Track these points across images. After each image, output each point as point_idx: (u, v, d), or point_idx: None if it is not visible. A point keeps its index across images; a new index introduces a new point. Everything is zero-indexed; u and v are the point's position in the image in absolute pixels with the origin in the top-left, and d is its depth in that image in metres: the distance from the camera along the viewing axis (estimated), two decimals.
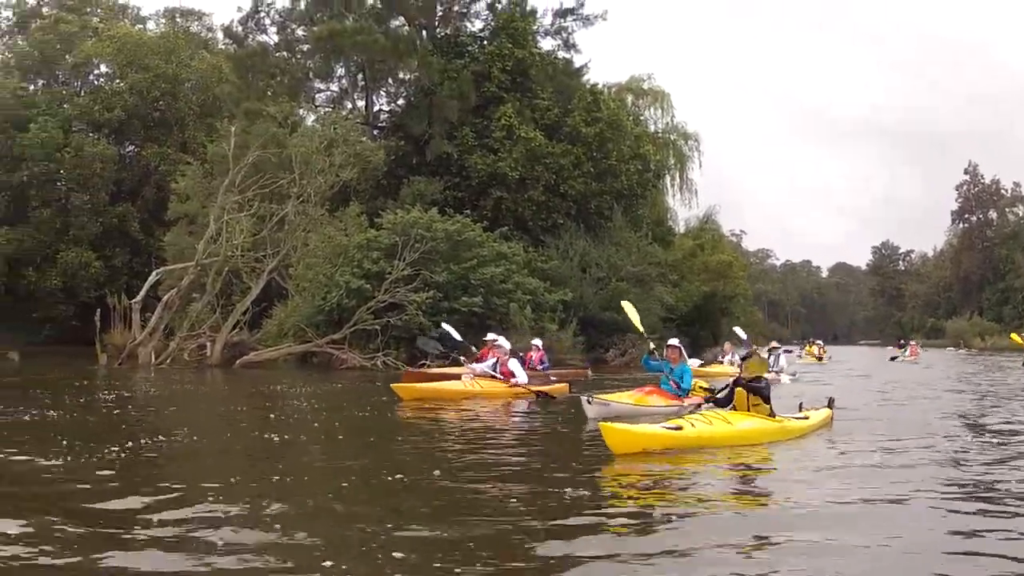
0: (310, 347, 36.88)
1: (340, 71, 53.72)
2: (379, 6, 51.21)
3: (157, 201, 55.96)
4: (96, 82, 63.29)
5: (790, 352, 53.16)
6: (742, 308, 68.37)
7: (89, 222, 56.39)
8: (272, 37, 52.44)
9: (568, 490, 10.01)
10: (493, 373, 23.64)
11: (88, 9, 65.41)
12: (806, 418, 16.15)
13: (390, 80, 54.75)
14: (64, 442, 12.86)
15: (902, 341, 69.84)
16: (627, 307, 22.59)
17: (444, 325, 30.21)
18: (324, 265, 38.55)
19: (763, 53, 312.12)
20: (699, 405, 16.47)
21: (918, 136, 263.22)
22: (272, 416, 18.43)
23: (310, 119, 52.68)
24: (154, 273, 41.16)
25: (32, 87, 62.85)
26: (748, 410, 14.46)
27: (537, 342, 30.31)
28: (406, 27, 51.49)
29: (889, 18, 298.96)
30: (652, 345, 20.63)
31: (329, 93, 55.35)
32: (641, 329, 22.25)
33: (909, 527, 8.58)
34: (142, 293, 39.41)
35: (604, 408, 17.42)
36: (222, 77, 56.42)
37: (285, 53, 51.32)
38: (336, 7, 49.27)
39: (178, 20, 67.91)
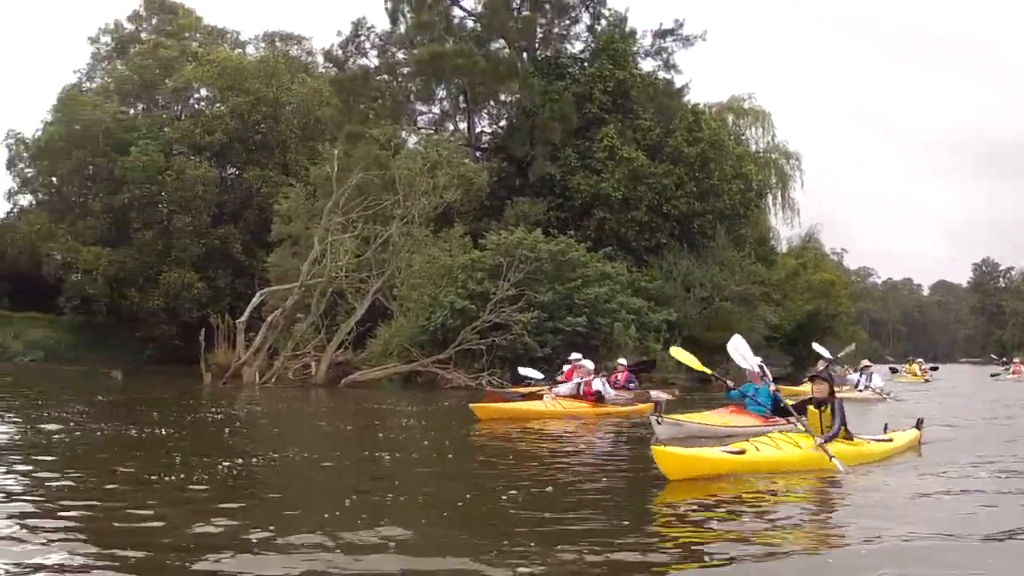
0: (415, 367, 37.02)
1: (441, 93, 54.17)
2: (479, 29, 51.67)
3: (259, 223, 56.49)
4: (196, 106, 64.22)
5: (896, 371, 52.71)
6: (844, 327, 67.77)
7: (191, 243, 57.17)
8: (372, 60, 53.01)
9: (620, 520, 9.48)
10: (576, 393, 23.45)
11: (187, 34, 66.54)
12: (889, 440, 15.40)
13: (491, 102, 54.93)
14: (177, 458, 13.00)
15: (1004, 359, 68.67)
16: (678, 353, 19.70)
17: (522, 370, 29.92)
18: (428, 285, 38.73)
19: (864, 70, 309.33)
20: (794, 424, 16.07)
21: (1020, 152, 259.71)
22: (381, 435, 18.45)
23: (412, 141, 52.95)
24: (258, 294, 41.62)
25: (132, 111, 63.83)
26: (822, 431, 13.47)
27: (623, 361, 30.34)
28: (506, 50, 51.89)
29: (987, 33, 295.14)
30: (731, 383, 19.15)
31: (431, 115, 55.89)
32: (705, 370, 19.81)
33: (1002, 569, 7.87)
34: (247, 313, 39.84)
35: (675, 428, 16.86)
36: (323, 100, 57.11)
37: (386, 76, 51.80)
38: (437, 30, 49.77)
39: (278, 44, 69.03)
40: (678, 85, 55.66)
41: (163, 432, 17.31)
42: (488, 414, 21.56)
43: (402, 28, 52.41)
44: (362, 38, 53.37)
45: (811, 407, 13.84)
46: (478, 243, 41.42)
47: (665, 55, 55.45)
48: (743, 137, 64.18)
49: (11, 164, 65.31)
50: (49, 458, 13.37)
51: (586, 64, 52.44)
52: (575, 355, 27.07)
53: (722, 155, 50.76)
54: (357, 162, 41.44)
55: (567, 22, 54.73)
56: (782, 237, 71.17)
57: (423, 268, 39.35)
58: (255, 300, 40.90)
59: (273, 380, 36.65)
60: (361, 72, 50.85)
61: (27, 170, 64.97)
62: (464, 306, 36.82)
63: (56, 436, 15.91)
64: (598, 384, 23.59)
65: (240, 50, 68.34)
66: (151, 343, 57.47)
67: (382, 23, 53.68)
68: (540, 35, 53.89)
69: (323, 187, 43.60)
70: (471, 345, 36.30)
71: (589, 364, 24.73)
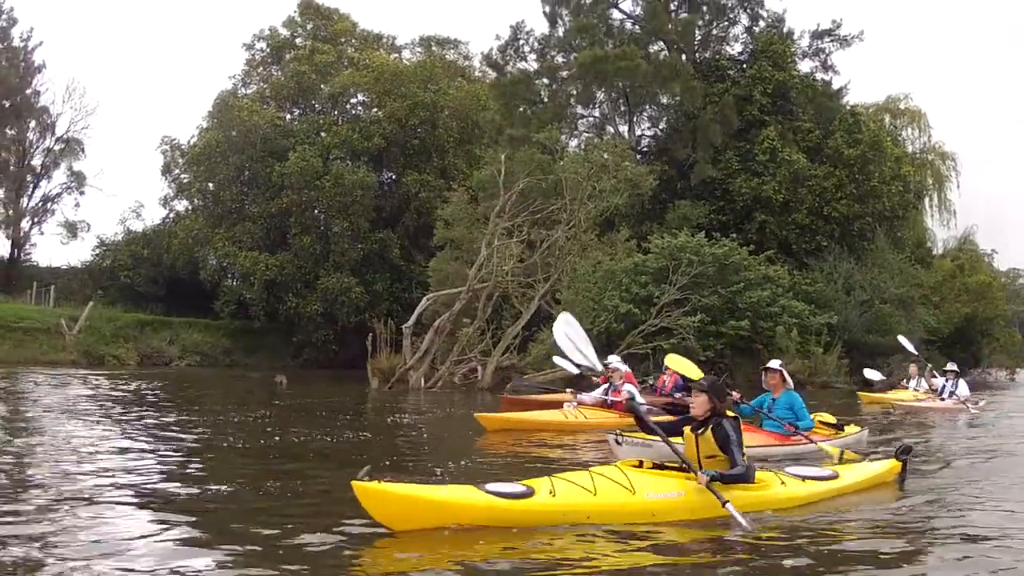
0: (583, 371, 37.47)
1: (601, 96, 55.35)
2: (638, 32, 52.80)
3: (417, 227, 58.43)
4: (353, 111, 65.44)
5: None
6: (1001, 330, 67.93)
7: (349, 248, 58.29)
8: (531, 64, 54.37)
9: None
10: (604, 397, 21.10)
11: (343, 39, 67.75)
12: (832, 478, 11.29)
13: (650, 105, 56.02)
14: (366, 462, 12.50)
15: None
16: (673, 360, 15.80)
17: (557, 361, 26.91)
18: (592, 289, 39.68)
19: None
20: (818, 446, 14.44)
21: None
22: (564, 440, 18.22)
23: (572, 145, 54.20)
24: (425, 298, 42.43)
25: (288, 116, 65.67)
26: (699, 463, 9.93)
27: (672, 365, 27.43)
28: (665, 52, 52.96)
29: None
30: (736, 394, 16.23)
31: (590, 119, 57.09)
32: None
33: None
34: (413, 318, 40.62)
35: (640, 450, 13.13)
36: (481, 104, 58.81)
37: (545, 80, 53.18)
38: (597, 34, 51.04)
39: (434, 48, 70.10)
40: (836, 86, 56.20)
41: (360, 436, 18.07)
42: (496, 424, 19.94)
43: (560, 32, 53.82)
44: (521, 42, 54.91)
45: (686, 429, 10.51)
46: (640, 246, 42.37)
47: (823, 56, 56.16)
48: (900, 138, 64.41)
49: (167, 170, 67.52)
50: (251, 461, 14.20)
51: (745, 66, 53.48)
52: (611, 357, 23.92)
53: (881, 157, 51.47)
54: (521, 166, 42.61)
55: (725, 23, 55.76)
56: (938, 239, 71.49)
57: (588, 272, 40.23)
58: (422, 305, 41.75)
59: (439, 385, 37.47)
60: (523, 76, 52.27)
61: (183, 176, 67.02)
62: (628, 310, 37.79)
63: (251, 440, 16.41)
64: (628, 390, 20.85)
65: (396, 55, 69.57)
66: (307, 347, 58.90)
67: (540, 26, 55.03)
68: (698, 37, 54.91)
69: (485, 191, 44.96)
70: (637, 349, 36.84)
71: (623, 366, 22.55)
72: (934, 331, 50.87)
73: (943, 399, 28.77)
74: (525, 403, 24.30)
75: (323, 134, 62.03)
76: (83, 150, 73.36)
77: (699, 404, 10.27)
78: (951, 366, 30.77)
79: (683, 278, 38.11)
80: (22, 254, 73.69)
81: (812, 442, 14.82)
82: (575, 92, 53.64)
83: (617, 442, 13.75)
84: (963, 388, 28.99)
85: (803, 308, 42.54)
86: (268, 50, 69.11)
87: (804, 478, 10.91)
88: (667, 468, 10.01)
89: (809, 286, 46.29)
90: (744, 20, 55.83)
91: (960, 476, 13.08)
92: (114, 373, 42.93)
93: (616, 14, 55.13)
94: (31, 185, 73.11)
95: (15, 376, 37.14)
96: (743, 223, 49.04)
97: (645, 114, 57.32)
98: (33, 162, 73.30)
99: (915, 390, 31.19)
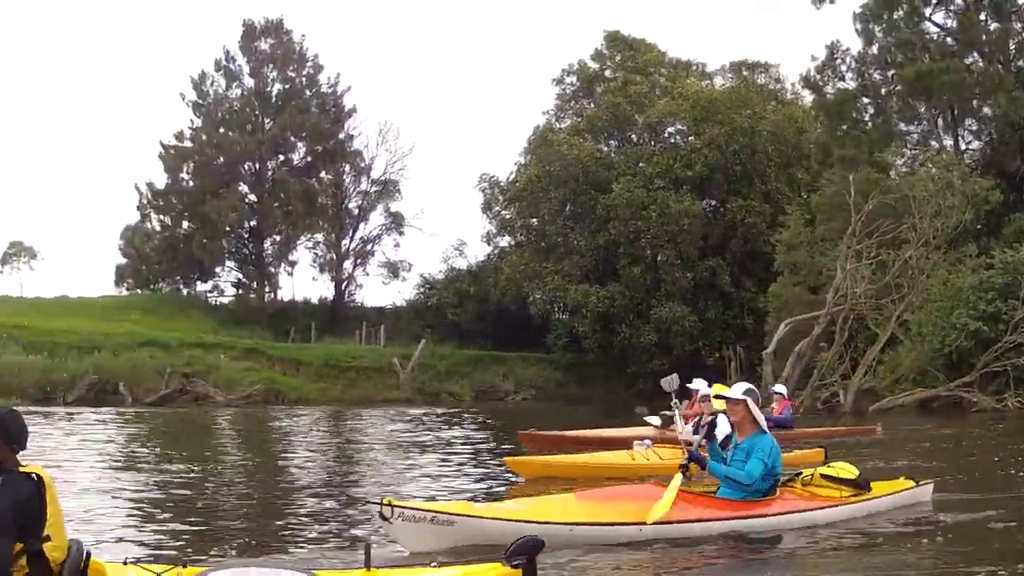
0: (939, 391, 38.32)
1: (922, 111, 56.10)
2: (952, 44, 53.99)
3: (745, 253, 60.21)
4: (671, 140, 66.96)
5: None
6: None
7: (680, 277, 59.80)
8: (848, 83, 56.02)
9: None
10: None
11: (651, 69, 69.61)
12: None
13: (974, 118, 56.38)
14: None
15: None
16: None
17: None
18: (943, 308, 39.89)
19: None
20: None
21: None
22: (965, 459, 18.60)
23: (899, 162, 54.77)
24: (783, 324, 43.76)
25: (605, 148, 67.76)
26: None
27: (779, 389, 25.47)
28: (980, 62, 54.06)
29: None
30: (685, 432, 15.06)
31: (914, 135, 57.85)
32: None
33: None
34: (773, 344, 42.45)
35: (431, 527, 9.45)
36: (798, 126, 60.56)
37: (865, 99, 54.90)
38: (915, 48, 52.50)
39: (745, 73, 71.21)
40: None
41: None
42: (530, 471, 16.39)
43: (874, 48, 55.18)
44: (838, 61, 56.55)
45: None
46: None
47: None
48: None
49: (487, 207, 71.37)
50: None
51: None
52: (697, 381, 19.94)
53: None
54: (861, 186, 43.70)
55: None
56: None
57: (937, 290, 40.77)
58: (780, 330, 43.39)
59: (800, 410, 36.87)
60: (848, 95, 53.73)
61: (503, 212, 70.41)
62: (977, 327, 37.69)
63: None
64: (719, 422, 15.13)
65: (707, 81, 71.20)
66: (641, 378, 58.40)
67: (853, 44, 56.48)
68: (1013, 47, 55.31)
69: (823, 213, 46.67)
70: (996, 367, 37.31)
71: (706, 388, 18.32)
72: None
73: None
74: (549, 440, 20.91)
75: (642, 164, 63.59)
76: (399, 191, 78.52)
77: None
78: None
79: None
80: (347, 295, 78.67)
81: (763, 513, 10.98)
82: (895, 108, 54.66)
83: (381, 515, 9.38)
84: None
85: None
86: (579, 83, 71.66)
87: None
88: None
89: None
90: None
91: None
92: (452, 411, 45.21)
93: (929, 27, 55.62)
94: (350, 228, 78.24)
95: (357, 416, 40.79)
96: None
97: (969, 127, 57.49)
98: (350, 205, 78.57)
99: None
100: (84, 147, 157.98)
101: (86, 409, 40.49)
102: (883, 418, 30.94)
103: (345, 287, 78.92)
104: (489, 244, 73.49)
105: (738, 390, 11.28)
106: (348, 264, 78.49)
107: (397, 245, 78.96)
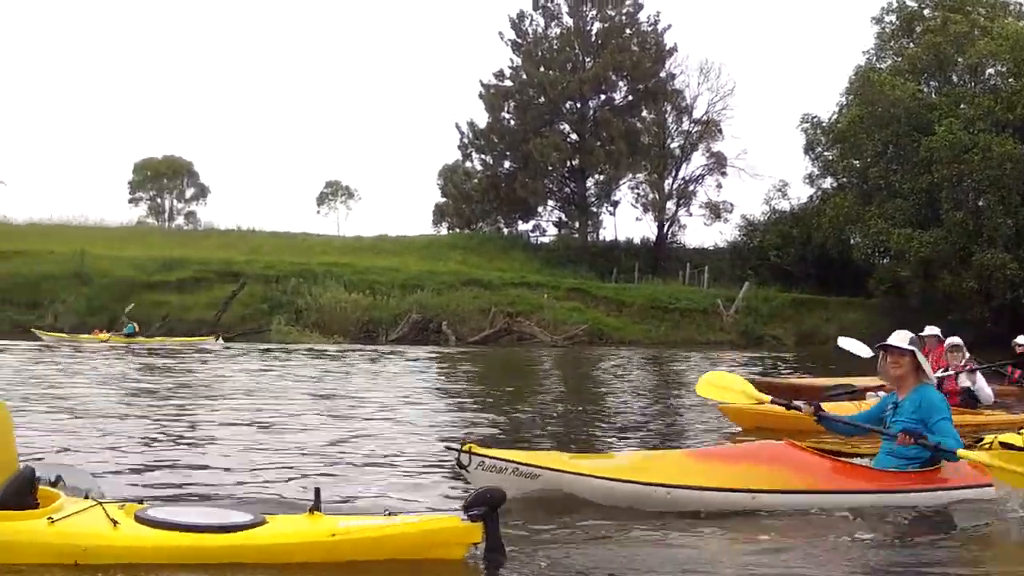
0: None
1: None
2: None
3: None
4: (991, 81, 65.42)
5: None
6: None
7: (1001, 223, 58.64)
8: None
9: None
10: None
11: (970, 7, 67.82)
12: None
13: None
14: None
15: None
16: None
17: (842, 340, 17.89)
18: None
19: None
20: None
21: None
22: None
23: None
24: None
25: (925, 89, 66.74)
26: None
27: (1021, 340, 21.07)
28: None
29: None
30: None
31: None
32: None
33: None
34: None
35: (514, 479, 8.60)
36: None
37: None
38: None
39: None
40: None
41: None
42: (750, 422, 14.55)
43: None
44: None
45: None
46: None
47: None
48: None
49: (809, 148, 71.36)
50: None
51: None
52: (929, 328, 17.84)
53: None
54: None
55: None
56: None
57: None
58: None
59: None
60: None
61: (826, 154, 70.34)
62: None
63: None
64: (966, 380, 16.28)
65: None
66: (961, 325, 57.11)
67: None
68: None
69: None
70: None
71: (956, 339, 17.10)
72: None
73: None
74: (785, 389, 18.46)
75: (964, 106, 62.51)
76: (720, 131, 78.95)
77: None
78: None
79: None
80: (669, 235, 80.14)
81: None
82: None
83: (459, 463, 8.68)
84: None
85: None
86: (898, 22, 70.73)
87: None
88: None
89: None
90: None
91: None
92: (773, 355, 44.87)
93: None
94: (672, 168, 79.26)
95: (676, 357, 40.90)
96: None
97: None
98: (672, 145, 79.58)
99: None
100: (402, 87, 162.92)
101: (409, 348, 41.91)
102: None
103: (668, 228, 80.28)
104: (812, 186, 73.75)
105: (903, 338, 9.72)
106: (670, 205, 79.60)
107: (719, 186, 79.63)
